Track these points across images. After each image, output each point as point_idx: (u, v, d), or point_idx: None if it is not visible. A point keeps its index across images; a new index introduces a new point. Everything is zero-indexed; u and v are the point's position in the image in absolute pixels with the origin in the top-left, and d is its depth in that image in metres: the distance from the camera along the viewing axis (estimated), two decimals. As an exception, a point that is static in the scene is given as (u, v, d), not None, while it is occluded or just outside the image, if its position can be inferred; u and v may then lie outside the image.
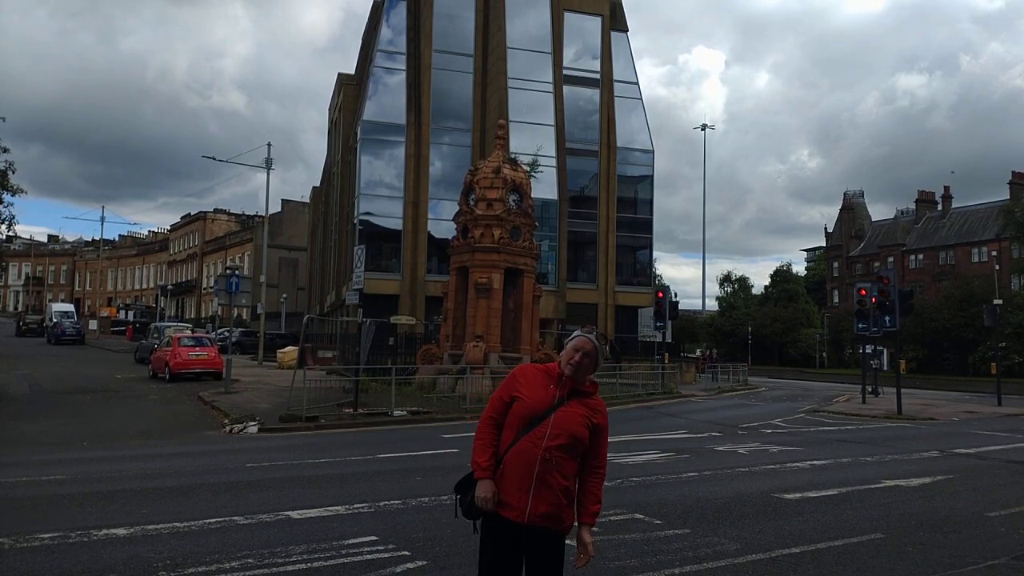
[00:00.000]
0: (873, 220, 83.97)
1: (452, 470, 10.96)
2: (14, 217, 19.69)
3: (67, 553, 6.24)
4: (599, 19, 42.78)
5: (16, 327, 63.52)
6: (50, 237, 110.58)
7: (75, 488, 9.18)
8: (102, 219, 72.77)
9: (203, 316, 72.01)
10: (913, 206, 78.62)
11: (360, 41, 47.88)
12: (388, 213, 39.07)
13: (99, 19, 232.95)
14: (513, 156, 26.52)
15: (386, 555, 6.27)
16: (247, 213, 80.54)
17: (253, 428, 15.64)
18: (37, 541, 6.53)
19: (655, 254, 49.57)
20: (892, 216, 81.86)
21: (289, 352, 34.29)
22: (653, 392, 27.27)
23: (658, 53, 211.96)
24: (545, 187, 37.72)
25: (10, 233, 25.10)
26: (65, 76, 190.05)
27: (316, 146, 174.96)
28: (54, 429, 15.93)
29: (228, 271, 23.49)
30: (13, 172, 18.22)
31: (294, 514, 7.64)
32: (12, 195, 18.21)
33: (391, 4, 40.69)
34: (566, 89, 41.39)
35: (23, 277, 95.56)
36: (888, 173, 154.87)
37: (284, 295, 53.23)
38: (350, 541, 6.65)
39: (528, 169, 27.00)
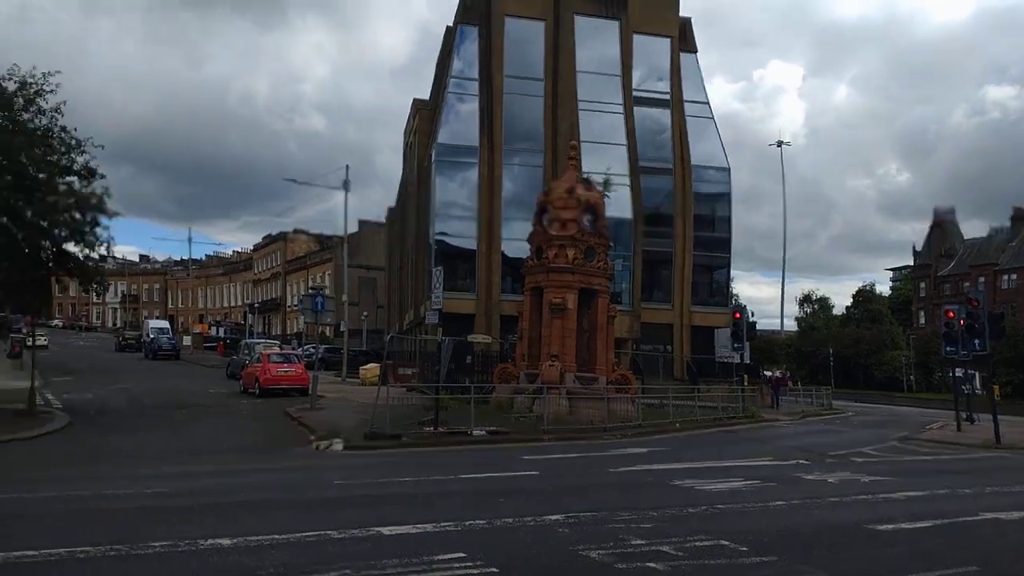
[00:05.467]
0: (965, 238, 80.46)
1: (533, 493, 11.14)
2: (112, 239, 20.87)
3: (178, 560, 6.64)
4: (668, 41, 42.73)
5: (116, 343, 66.98)
6: (141, 256, 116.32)
7: (178, 501, 9.71)
8: (189, 240, 76.53)
9: (288, 333, 74.36)
10: (1008, 223, 75.03)
11: (434, 65, 49.12)
12: (463, 233, 39.78)
13: (186, 46, 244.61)
14: (586, 176, 26.69)
15: (475, 571, 6.44)
16: (325, 233, 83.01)
17: (339, 445, 16.13)
18: (150, 549, 6.95)
19: (732, 273, 48.79)
20: (985, 234, 78.34)
21: (371, 369, 35.15)
22: (734, 416, 26.71)
23: (732, 69, 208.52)
24: (619, 206, 37.76)
25: (109, 255, 26.65)
26: (154, 101, 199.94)
27: (392, 165, 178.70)
28: (152, 443, 16.81)
29: (313, 290, 24.33)
30: (110, 197, 19.36)
31: (384, 530, 7.90)
32: (109, 218, 19.31)
33: (463, 32, 41.71)
34: (637, 110, 41.47)
35: (119, 295, 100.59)
36: (980, 188, 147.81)
37: (364, 313, 54.56)
38: (440, 557, 6.84)
39: (601, 189, 27.08)
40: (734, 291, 66.49)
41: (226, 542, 7.24)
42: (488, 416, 20.58)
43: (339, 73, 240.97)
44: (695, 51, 44.09)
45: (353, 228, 66.03)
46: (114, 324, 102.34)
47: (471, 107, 40.66)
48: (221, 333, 75.54)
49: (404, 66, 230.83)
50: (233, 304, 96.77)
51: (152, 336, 61.74)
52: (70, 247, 19.42)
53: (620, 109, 41.08)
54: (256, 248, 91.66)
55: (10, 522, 8.25)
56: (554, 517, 8.76)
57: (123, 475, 12.22)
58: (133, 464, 13.73)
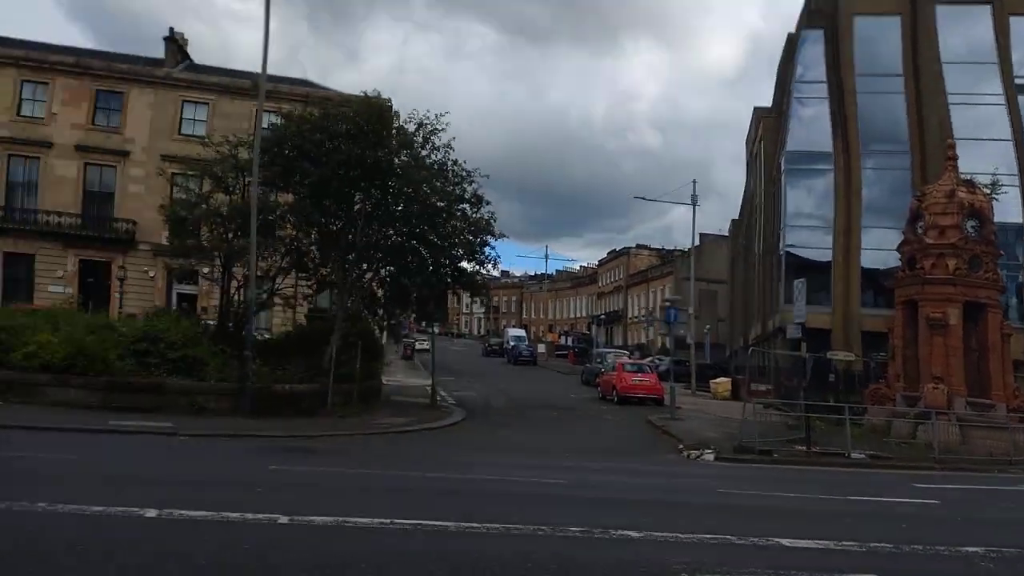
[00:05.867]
0: None
1: (940, 522, 10.28)
2: (499, 257, 23.57)
3: (597, 544, 7.37)
4: (1056, 18, 36.04)
5: (483, 348, 75.23)
6: (502, 272, 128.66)
7: (578, 492, 10.72)
8: (546, 257, 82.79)
9: (628, 343, 76.70)
10: None
11: (775, 73, 47.34)
12: (815, 244, 37.52)
13: (529, 78, 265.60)
14: (969, 178, 23.66)
15: None
16: (666, 248, 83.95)
17: (710, 456, 16.40)
18: (568, 532, 7.78)
19: None
20: None
21: (723, 383, 35.00)
22: None
23: None
24: (1001, 210, 32.73)
25: (495, 272, 30.08)
26: (504, 131, 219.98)
27: (728, 177, 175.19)
28: (536, 439, 18.68)
29: (667, 303, 24.99)
30: (495, 221, 21.87)
31: (784, 541, 7.92)
32: (496, 239, 21.83)
33: (806, 36, 39.63)
34: (1022, 100, 35.63)
35: (483, 306, 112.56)
36: None
37: (707, 326, 54.20)
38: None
39: (988, 191, 23.78)
40: None
41: (634, 534, 7.84)
42: (861, 439, 19.28)
43: (670, 89, 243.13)
44: (1094, 24, 36.56)
45: (695, 242, 66.22)
46: (478, 331, 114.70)
47: (820, 111, 38.38)
48: (569, 342, 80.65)
49: (735, 77, 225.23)
50: (578, 315, 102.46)
51: (513, 343, 68.23)
52: (464, 265, 22.37)
53: (1000, 100, 35.67)
54: (601, 263, 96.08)
55: (451, 498, 9.85)
56: (972, 549, 8.03)
57: (518, 464, 13.77)
58: (523, 456, 15.38)
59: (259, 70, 19.25)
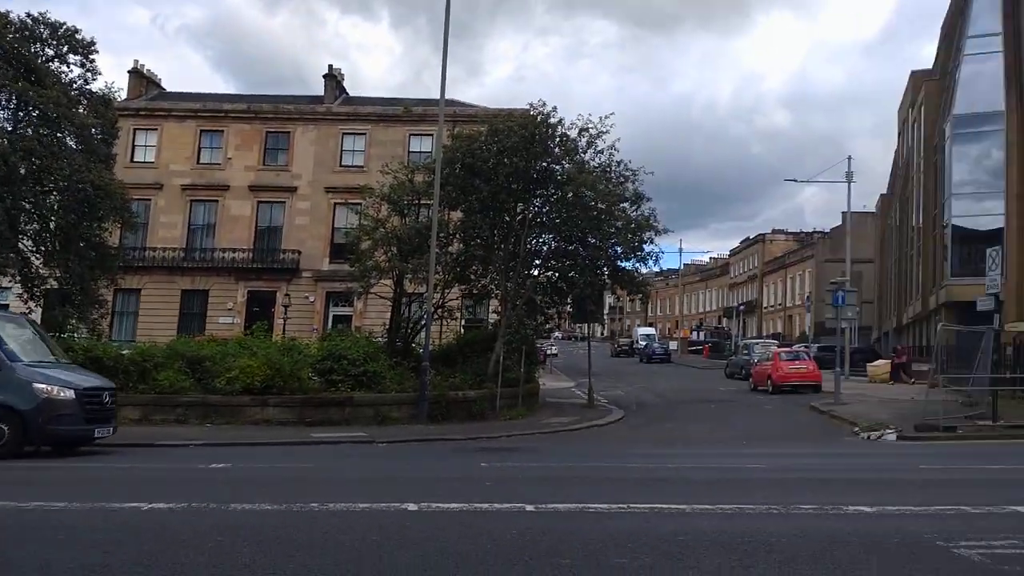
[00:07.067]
0: None
1: None
2: (661, 253, 23.57)
3: (836, 519, 7.36)
4: None
5: (612, 349, 74.97)
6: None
7: (781, 475, 10.72)
8: (680, 251, 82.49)
9: (764, 333, 74.39)
10: None
11: (927, 32, 44.73)
12: (985, 212, 35.14)
13: (652, 69, 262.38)
14: None
15: None
16: (804, 231, 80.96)
17: (891, 436, 15.96)
18: (801, 510, 7.72)
19: None
20: None
21: (881, 366, 33.61)
22: None
23: None
24: None
25: (657, 267, 30.05)
26: (627, 124, 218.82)
27: (868, 150, 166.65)
28: (702, 431, 18.68)
29: (833, 285, 24.32)
30: (657, 218, 21.91)
31: (1020, 508, 7.75)
32: (657, 235, 21.87)
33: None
34: None
35: (642, 304, 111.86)
36: None
37: (856, 308, 51.88)
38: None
39: None
40: None
41: (867, 509, 7.73)
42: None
43: (806, 62, 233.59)
44: None
45: (835, 223, 63.52)
46: (602, 333, 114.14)
47: (994, 66, 35.38)
48: (701, 336, 79.17)
49: (878, 39, 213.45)
50: (708, 309, 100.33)
51: (644, 343, 67.74)
52: (623, 263, 22.56)
53: None
54: (733, 252, 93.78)
55: (665, 485, 10.14)
56: None
57: (707, 453, 13.89)
58: (701, 446, 15.47)
59: (403, 95, 20.33)
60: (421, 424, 18.15)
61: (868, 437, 16.22)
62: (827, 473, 10.94)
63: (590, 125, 21.25)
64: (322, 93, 38.59)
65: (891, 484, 9.71)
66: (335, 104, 37.32)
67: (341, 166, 35.47)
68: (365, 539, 6.19)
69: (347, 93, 40.21)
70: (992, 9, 36.13)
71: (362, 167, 34.26)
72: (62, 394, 11.92)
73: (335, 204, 32.10)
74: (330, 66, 38.78)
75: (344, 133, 35.91)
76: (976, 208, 35.24)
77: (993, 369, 20.02)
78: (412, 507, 7.52)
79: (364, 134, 35.66)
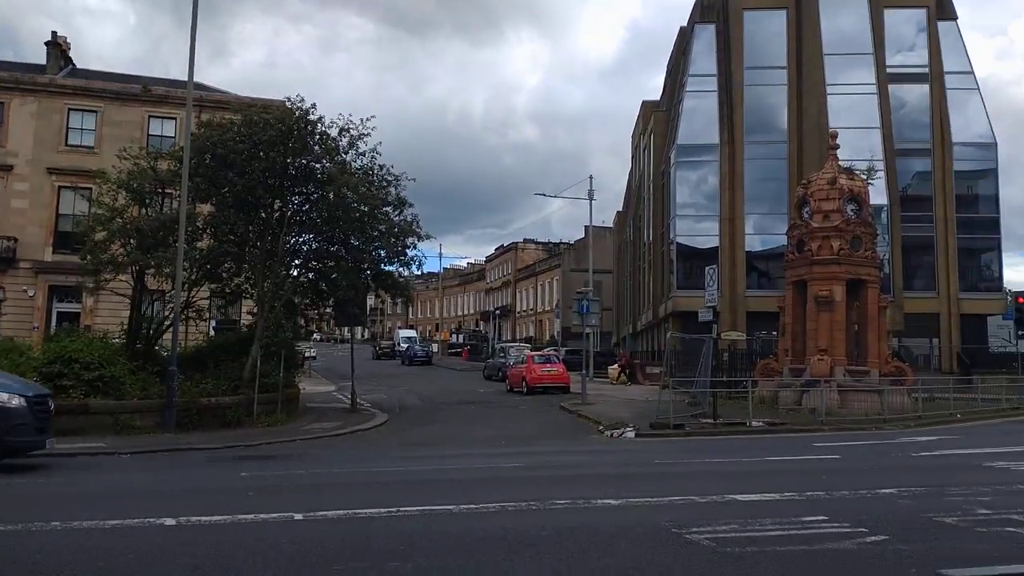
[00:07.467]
0: None
1: (850, 472, 11.74)
2: (424, 258, 23.85)
3: (586, 513, 8.07)
4: (924, 11, 40.24)
5: (373, 352, 74.46)
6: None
7: (537, 473, 11.49)
8: (440, 255, 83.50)
9: (518, 337, 78.29)
10: None
11: (654, 64, 50.25)
12: (703, 232, 40.17)
13: (409, 70, 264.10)
14: (849, 165, 26.18)
15: (847, 529, 7.21)
16: (552, 241, 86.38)
17: (631, 433, 17.57)
18: (556, 505, 8.35)
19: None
20: None
21: (616, 369, 36.85)
22: (1019, 407, 24.98)
23: (987, 25, 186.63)
24: (873, 191, 36.32)
25: (419, 271, 30.10)
26: (383, 126, 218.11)
27: (606, 167, 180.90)
28: (465, 432, 19.25)
29: (579, 294, 26.17)
30: (419, 224, 22.11)
31: (738, 497, 8.98)
32: (420, 240, 22.11)
33: (698, 30, 42.11)
34: (892, 87, 39.56)
35: (404, 306, 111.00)
36: None
37: (598, 315, 56.35)
38: (807, 519, 7.72)
39: (865, 177, 26.42)
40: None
41: (614, 502, 8.62)
42: (755, 409, 21.07)
43: (550, 80, 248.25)
44: (955, 17, 40.99)
45: (579, 235, 68.55)
46: (362, 335, 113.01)
47: (710, 104, 40.92)
48: (461, 339, 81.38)
49: (613, 67, 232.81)
50: (467, 312, 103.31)
51: (406, 345, 68.11)
52: (386, 267, 22.55)
53: (872, 89, 39.46)
54: (489, 259, 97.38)
55: (435, 486, 10.38)
56: (887, 491, 9.39)
57: (471, 454, 14.38)
58: (469, 447, 15.97)
59: (140, 72, 18.75)
60: (169, 433, 16.84)
61: (611, 435, 17.73)
62: (577, 470, 11.89)
63: (351, 126, 20.93)
64: (44, 62, 34.07)
65: (632, 478, 10.77)
66: (59, 76, 33.13)
67: (67, 145, 31.45)
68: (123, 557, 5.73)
69: (74, 64, 35.87)
70: (709, 52, 41.76)
71: (92, 148, 30.73)
72: (13, 402, 11.07)
73: (60, 187, 28.40)
74: (54, 32, 34.41)
75: (71, 109, 31.81)
76: (696, 228, 40.31)
77: (712, 373, 22.91)
78: (170, 522, 7.05)
79: (95, 112, 31.93)
